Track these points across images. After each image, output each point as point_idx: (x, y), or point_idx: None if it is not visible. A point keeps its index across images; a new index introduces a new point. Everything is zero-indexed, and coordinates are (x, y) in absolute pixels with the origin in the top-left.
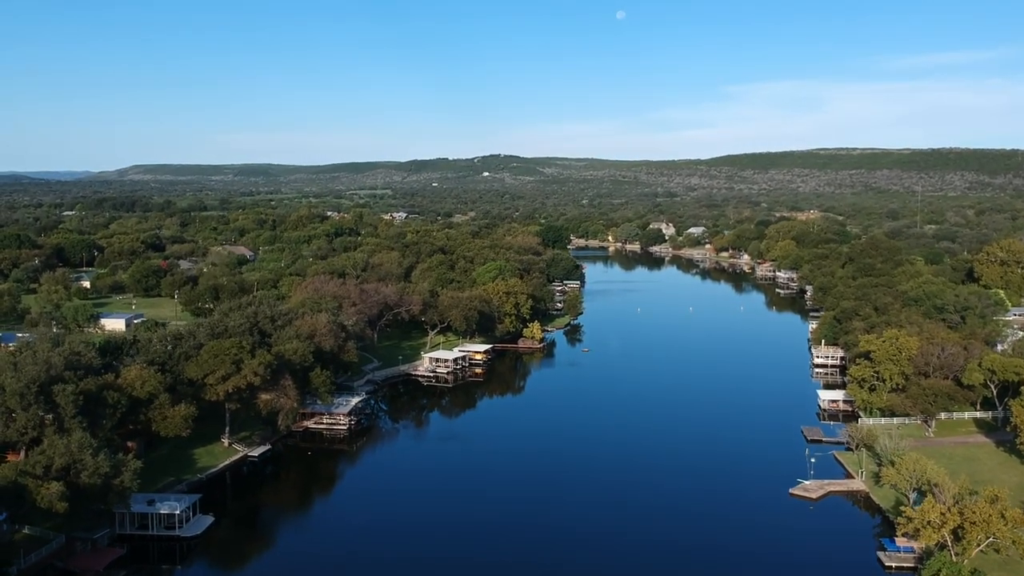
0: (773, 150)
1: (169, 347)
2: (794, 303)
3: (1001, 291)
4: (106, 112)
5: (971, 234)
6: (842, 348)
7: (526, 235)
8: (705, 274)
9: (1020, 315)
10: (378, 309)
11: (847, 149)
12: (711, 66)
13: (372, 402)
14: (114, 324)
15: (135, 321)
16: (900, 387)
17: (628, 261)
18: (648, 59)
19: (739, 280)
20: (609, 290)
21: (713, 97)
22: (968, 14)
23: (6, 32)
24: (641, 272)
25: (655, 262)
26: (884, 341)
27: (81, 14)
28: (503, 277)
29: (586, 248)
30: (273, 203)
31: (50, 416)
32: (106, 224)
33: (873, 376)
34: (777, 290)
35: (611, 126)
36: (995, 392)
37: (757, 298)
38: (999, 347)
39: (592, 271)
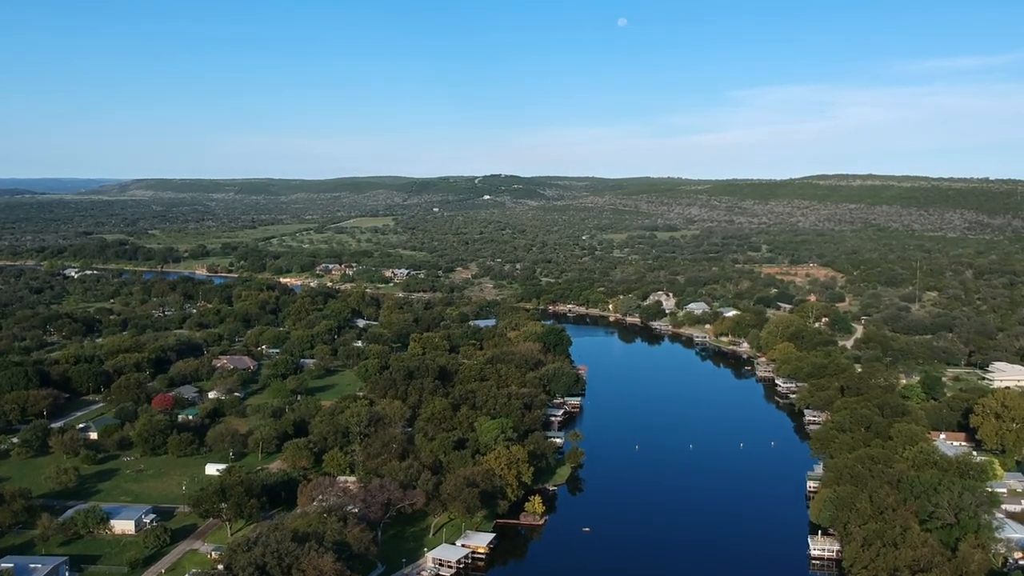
0: (777, 164)
1: None
2: (794, 416)
3: (995, 460)
4: (108, 114)
5: (970, 322)
6: (839, 541)
7: (527, 343)
8: (705, 356)
9: (1012, 485)
10: (382, 511)
11: (848, 177)
12: (717, 70)
13: None
14: (123, 526)
15: (144, 520)
16: None
17: (629, 335)
18: (653, 64)
19: (740, 369)
20: (610, 400)
21: (720, 102)
22: (979, 19)
23: (9, 40)
24: (642, 352)
25: (655, 338)
26: None
27: (92, 19)
28: (505, 436)
29: (587, 317)
30: (273, 242)
31: None
32: (111, 296)
33: None
34: (776, 398)
35: (615, 132)
36: None
37: (758, 410)
38: (991, 551)
39: (593, 365)
